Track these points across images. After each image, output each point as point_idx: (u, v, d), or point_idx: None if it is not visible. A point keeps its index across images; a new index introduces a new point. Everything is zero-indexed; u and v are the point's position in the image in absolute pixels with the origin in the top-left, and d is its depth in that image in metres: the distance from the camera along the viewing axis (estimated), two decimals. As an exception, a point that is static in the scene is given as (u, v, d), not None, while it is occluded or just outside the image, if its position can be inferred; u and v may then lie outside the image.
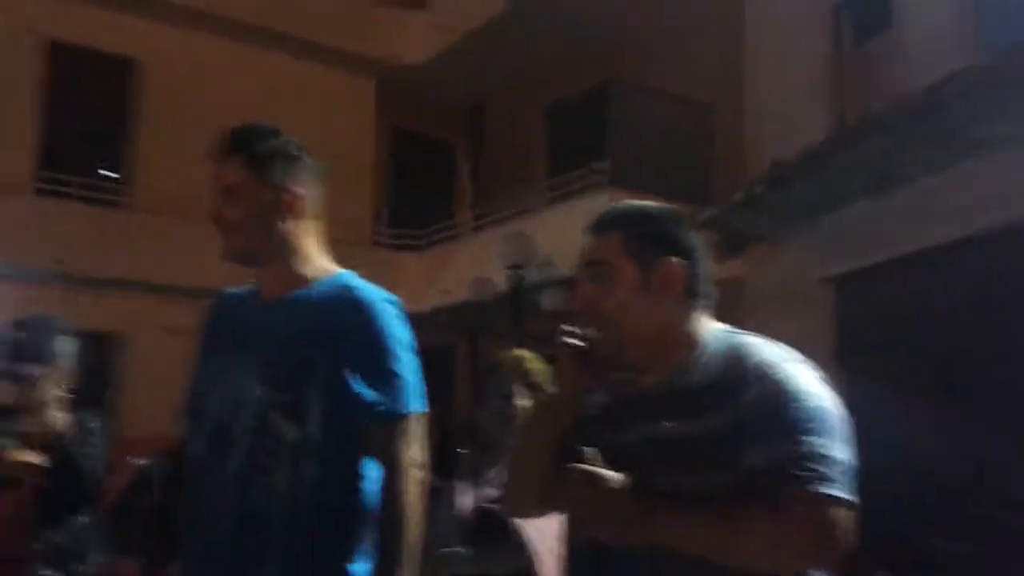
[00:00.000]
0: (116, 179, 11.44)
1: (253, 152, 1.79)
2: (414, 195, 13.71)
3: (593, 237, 1.50)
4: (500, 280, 9.73)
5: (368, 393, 1.71)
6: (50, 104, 11.00)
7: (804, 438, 1.25)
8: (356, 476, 1.75)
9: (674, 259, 1.44)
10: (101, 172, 11.54)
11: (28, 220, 10.14)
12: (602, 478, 1.31)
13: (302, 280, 1.82)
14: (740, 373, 1.34)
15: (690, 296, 1.45)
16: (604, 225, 1.50)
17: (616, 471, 1.32)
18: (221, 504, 1.69)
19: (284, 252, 1.81)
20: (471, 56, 12.21)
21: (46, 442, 2.09)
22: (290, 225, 1.81)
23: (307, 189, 1.84)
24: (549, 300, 9.69)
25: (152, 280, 10.41)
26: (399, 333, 1.78)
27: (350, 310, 1.76)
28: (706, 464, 1.30)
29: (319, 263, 1.86)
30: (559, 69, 11.92)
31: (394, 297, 1.83)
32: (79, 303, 9.55)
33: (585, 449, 1.35)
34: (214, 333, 1.91)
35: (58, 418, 2.41)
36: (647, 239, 1.46)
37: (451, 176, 14.35)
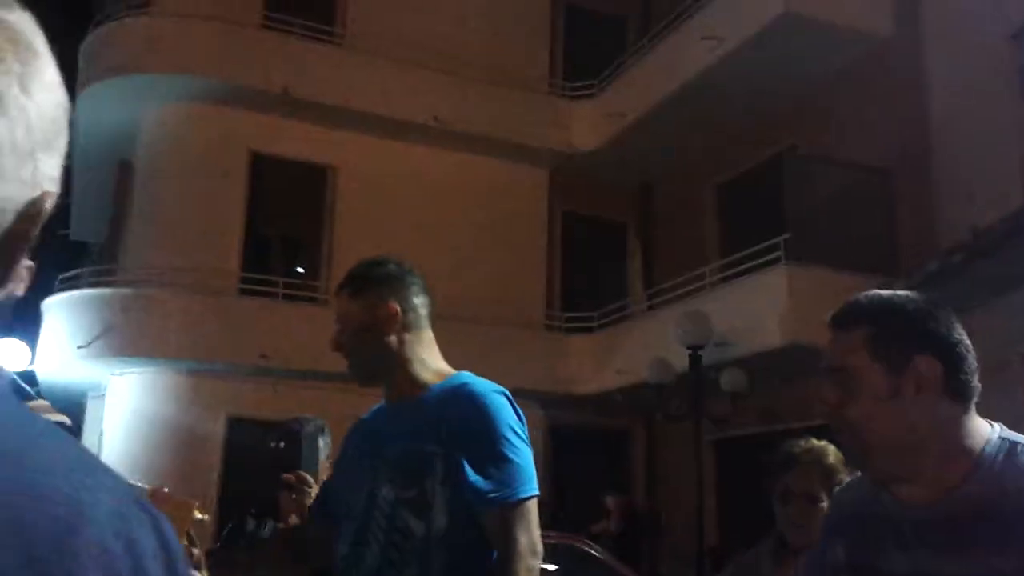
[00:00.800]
0: (313, 277, 12.30)
1: (355, 284, 2.02)
2: (586, 277, 13.91)
3: (834, 334, 1.33)
4: (676, 360, 9.65)
5: (481, 480, 1.80)
6: (252, 210, 12.05)
7: None
8: (483, 563, 1.83)
9: (929, 358, 1.26)
10: (299, 271, 12.45)
11: (233, 317, 11.03)
12: None
13: (421, 385, 1.97)
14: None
15: (954, 398, 1.27)
16: (846, 320, 1.33)
17: None
18: None
19: (400, 363, 1.98)
20: (641, 139, 12.43)
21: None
22: (401, 338, 1.98)
23: (410, 303, 2.01)
24: (728, 381, 9.52)
25: (329, 369, 11.02)
26: (510, 420, 1.87)
27: (463, 404, 1.88)
28: None
29: (435, 367, 2.01)
30: (728, 145, 11.93)
31: (504, 388, 1.93)
32: (282, 395, 10.27)
33: None
34: (351, 444, 2.12)
35: None
36: (896, 336, 1.28)
37: (622, 256, 14.48)
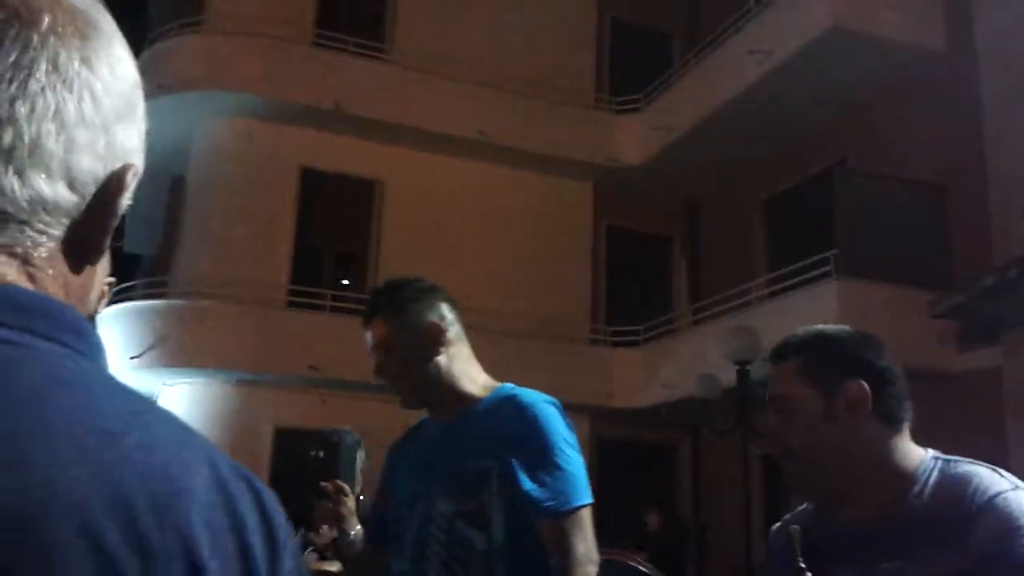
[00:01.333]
0: (361, 290, 12.43)
1: (389, 307, 1.98)
2: (631, 291, 13.86)
3: (772, 368, 1.47)
4: (722, 375, 9.57)
5: (536, 490, 1.80)
6: (301, 224, 12.23)
7: None
8: (543, 573, 1.83)
9: (859, 382, 1.37)
10: (345, 283, 12.59)
11: (283, 330, 11.19)
12: None
13: (468, 399, 1.96)
14: (963, 508, 1.27)
15: (885, 420, 1.37)
16: (783, 352, 1.46)
17: None
18: None
19: (448, 379, 1.96)
20: (687, 153, 12.37)
21: (350, 553, 2.27)
22: (443, 355, 1.96)
23: (447, 318, 1.99)
24: (776, 395, 9.38)
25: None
26: (561, 430, 1.87)
27: (513, 415, 1.87)
28: None
29: (480, 380, 2.01)
30: (776, 159, 11.83)
31: (554, 398, 1.92)
32: (330, 407, 10.36)
33: None
34: (401, 459, 2.12)
35: (356, 528, 2.65)
36: (827, 363, 1.40)
37: (667, 271, 14.41)
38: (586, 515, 1.84)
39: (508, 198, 12.79)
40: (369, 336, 2.00)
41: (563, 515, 1.81)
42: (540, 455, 1.83)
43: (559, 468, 1.83)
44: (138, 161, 0.59)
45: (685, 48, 13.93)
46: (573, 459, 1.86)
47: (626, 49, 14.50)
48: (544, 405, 1.89)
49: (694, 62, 12.57)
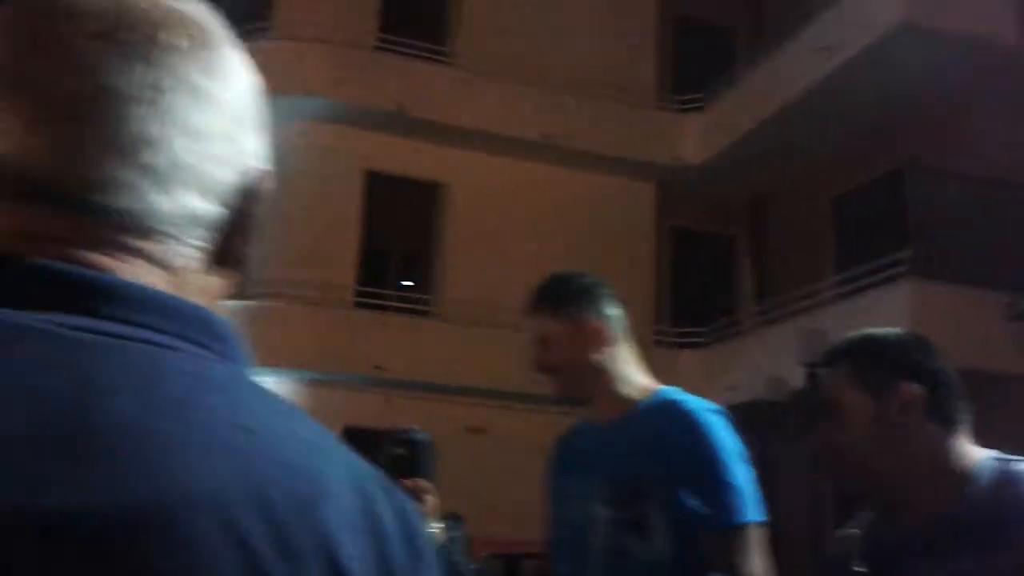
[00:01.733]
0: (425, 291, 12.58)
1: (556, 301, 1.95)
2: (695, 292, 13.76)
3: (824, 373, 1.46)
4: (791, 377, 9.45)
5: (702, 504, 1.75)
6: (367, 226, 12.42)
7: None
8: None
9: (910, 383, 1.36)
10: (410, 284, 12.75)
11: (349, 330, 11.38)
12: None
13: (628, 402, 1.92)
14: (1019, 506, 1.28)
15: (940, 422, 1.36)
16: (833, 358, 1.45)
17: None
18: None
19: (606, 380, 1.93)
20: (752, 151, 12.22)
21: None
22: (605, 354, 1.92)
23: (611, 317, 1.95)
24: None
25: (455, 383, 11.24)
26: (728, 442, 1.81)
27: (675, 423, 1.83)
28: None
29: (639, 383, 1.96)
30: (845, 157, 11.63)
31: (719, 407, 1.88)
32: (395, 406, 10.51)
33: None
34: (560, 464, 2.06)
35: (436, 528, 2.70)
36: (877, 366, 1.39)
37: (732, 271, 14.26)
38: (755, 533, 1.78)
39: (571, 199, 12.80)
40: (531, 328, 1.97)
41: (731, 532, 1.75)
42: (707, 469, 1.77)
43: (725, 481, 1.77)
44: (263, 164, 0.60)
45: (749, 45, 13.78)
46: (742, 473, 1.80)
47: (689, 47, 14.39)
48: (709, 415, 1.84)
49: (760, 58, 12.43)
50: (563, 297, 1.96)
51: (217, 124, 0.55)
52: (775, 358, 9.88)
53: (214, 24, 0.59)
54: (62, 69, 0.52)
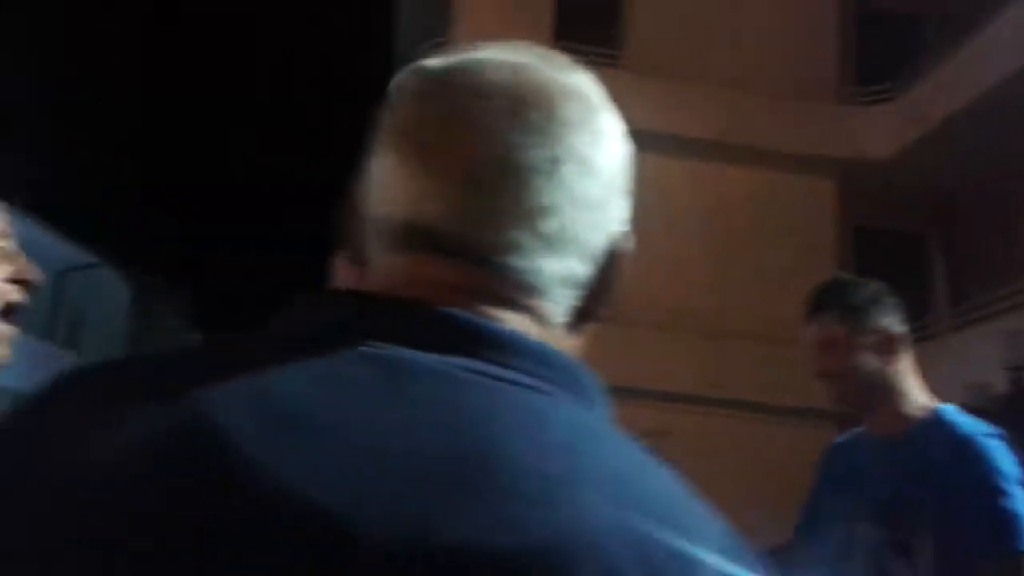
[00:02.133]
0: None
1: (844, 306, 1.91)
2: (881, 293, 13.13)
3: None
4: (994, 382, 8.87)
5: (976, 532, 1.71)
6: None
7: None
8: None
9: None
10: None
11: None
12: None
13: (906, 420, 1.88)
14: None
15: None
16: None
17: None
18: None
19: (887, 393, 1.89)
20: (946, 143, 11.53)
21: None
22: (889, 366, 1.88)
23: (896, 328, 1.91)
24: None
25: (625, 384, 11.28)
26: (1005, 468, 1.75)
27: (953, 448, 1.79)
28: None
29: (918, 400, 1.91)
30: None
31: (997, 430, 1.82)
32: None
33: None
34: (829, 475, 2.06)
35: None
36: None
37: (922, 272, 13.49)
38: None
39: (749, 199, 12.51)
40: (812, 332, 1.95)
41: (1006, 560, 1.70)
42: (982, 496, 1.73)
43: (1002, 511, 1.71)
44: (627, 228, 0.64)
45: (938, 33, 13.00)
46: (1018, 500, 1.73)
47: (872, 37, 13.74)
48: (986, 439, 1.80)
49: (949, 48, 11.71)
50: (852, 303, 1.92)
51: (596, 192, 0.59)
52: (974, 363, 9.31)
53: (597, 94, 0.63)
54: (474, 142, 0.57)
